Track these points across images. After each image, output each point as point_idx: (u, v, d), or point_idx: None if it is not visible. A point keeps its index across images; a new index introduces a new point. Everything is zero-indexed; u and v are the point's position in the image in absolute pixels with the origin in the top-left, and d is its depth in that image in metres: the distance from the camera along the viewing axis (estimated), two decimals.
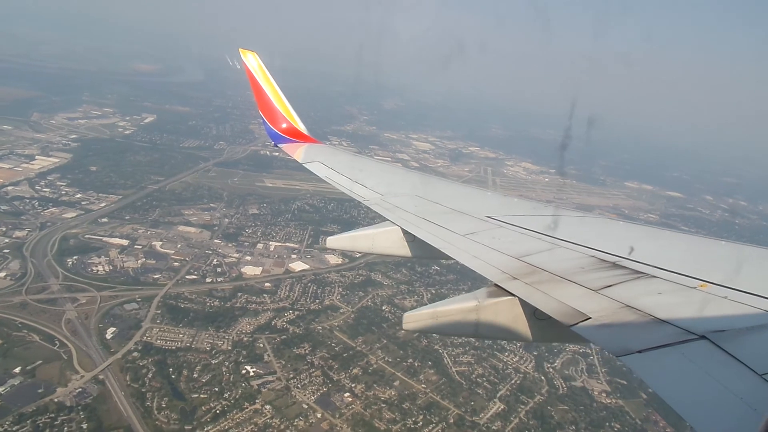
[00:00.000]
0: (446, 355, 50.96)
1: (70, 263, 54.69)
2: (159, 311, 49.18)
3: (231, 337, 47.27)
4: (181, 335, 46.27)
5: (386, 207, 9.55)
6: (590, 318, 4.63)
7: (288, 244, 69.79)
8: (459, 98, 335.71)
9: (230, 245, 66.35)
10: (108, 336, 44.56)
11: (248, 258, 63.69)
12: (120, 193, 75.85)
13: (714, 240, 7.08)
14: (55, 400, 36.98)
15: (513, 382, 48.94)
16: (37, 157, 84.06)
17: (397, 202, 9.78)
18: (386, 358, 48.99)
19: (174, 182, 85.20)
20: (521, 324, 5.48)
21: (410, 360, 49.38)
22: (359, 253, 10.07)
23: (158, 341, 45.03)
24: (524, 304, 5.38)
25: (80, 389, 38.30)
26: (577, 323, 4.60)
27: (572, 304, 4.94)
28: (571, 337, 4.69)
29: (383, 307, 57.90)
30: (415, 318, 5.75)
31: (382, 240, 8.77)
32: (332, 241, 9.32)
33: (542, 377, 50.48)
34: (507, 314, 5.51)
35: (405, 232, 8.48)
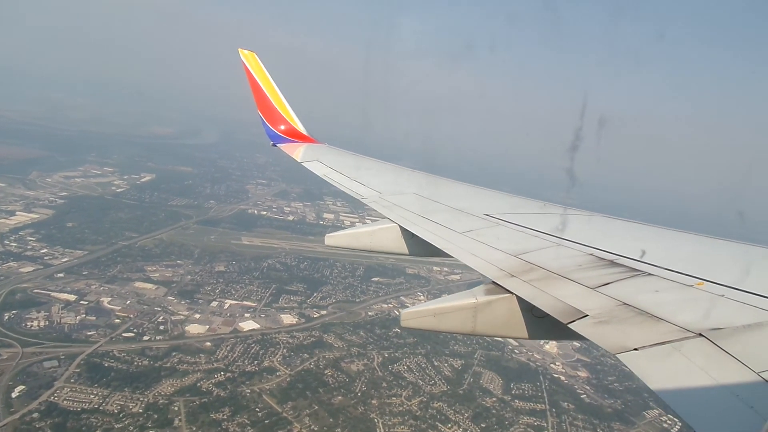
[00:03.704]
0: (381, 425, 47.37)
1: (7, 318, 53.94)
2: (78, 370, 47.40)
3: (146, 399, 44.89)
4: (92, 396, 44.13)
5: (385, 205, 9.67)
6: (587, 315, 4.62)
7: (245, 303, 67.98)
8: (466, 159, 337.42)
9: (183, 302, 64.97)
10: (14, 395, 42.68)
11: (197, 316, 62.00)
12: (87, 249, 76.11)
13: (711, 238, 6.94)
14: None
15: None
16: (17, 213, 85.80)
17: (396, 200, 9.96)
18: (312, 427, 45.65)
19: (147, 239, 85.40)
20: (519, 321, 5.53)
21: (339, 429, 45.89)
22: (359, 250, 9.61)
23: (65, 402, 42.96)
24: (522, 301, 5.41)
25: None
26: (574, 321, 4.58)
27: (569, 302, 4.95)
28: (568, 334, 4.67)
29: (326, 371, 54.83)
30: (413, 315, 5.81)
31: (380, 238, 8.84)
32: (330, 239, 9.38)
33: None
34: (505, 312, 5.54)
35: (403, 230, 8.56)
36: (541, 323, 5.42)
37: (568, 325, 4.56)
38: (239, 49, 14.96)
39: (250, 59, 14.89)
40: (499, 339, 69.73)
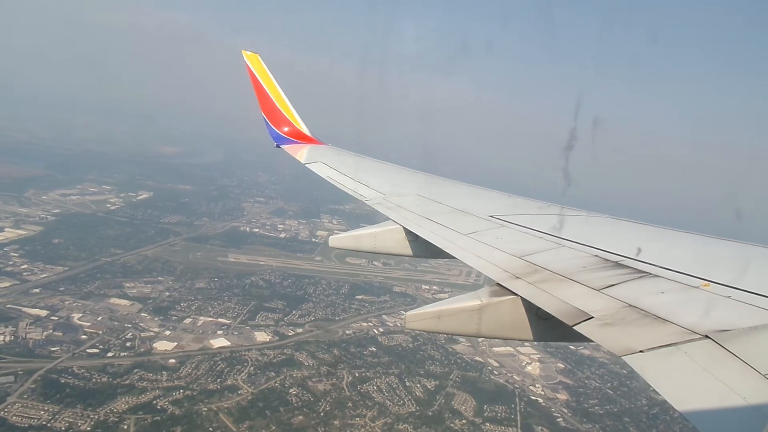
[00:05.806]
0: None
1: None
2: (34, 386, 46.89)
3: (97, 417, 44.12)
4: (42, 412, 43.47)
5: (389, 206, 9.72)
6: (593, 317, 4.59)
7: (219, 320, 67.26)
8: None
9: (156, 319, 64.48)
10: None
11: (167, 333, 61.42)
12: (68, 265, 76.25)
13: (717, 239, 6.91)
14: None
15: None
16: (6, 229, 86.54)
17: (400, 202, 9.97)
18: None
19: (132, 255, 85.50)
20: (523, 323, 5.53)
21: None
22: (363, 252, 9.74)
23: (14, 417, 42.32)
24: (527, 303, 5.40)
25: None
26: (579, 323, 4.56)
27: (575, 304, 4.92)
28: (573, 336, 4.67)
29: (291, 390, 53.59)
30: (418, 317, 5.80)
31: (384, 239, 8.88)
32: (335, 240, 9.53)
33: None
34: (509, 313, 5.54)
35: (407, 232, 8.58)
36: (546, 325, 5.41)
37: (573, 327, 4.54)
38: (242, 51, 14.83)
39: (253, 60, 14.73)
40: (480, 359, 68.24)
